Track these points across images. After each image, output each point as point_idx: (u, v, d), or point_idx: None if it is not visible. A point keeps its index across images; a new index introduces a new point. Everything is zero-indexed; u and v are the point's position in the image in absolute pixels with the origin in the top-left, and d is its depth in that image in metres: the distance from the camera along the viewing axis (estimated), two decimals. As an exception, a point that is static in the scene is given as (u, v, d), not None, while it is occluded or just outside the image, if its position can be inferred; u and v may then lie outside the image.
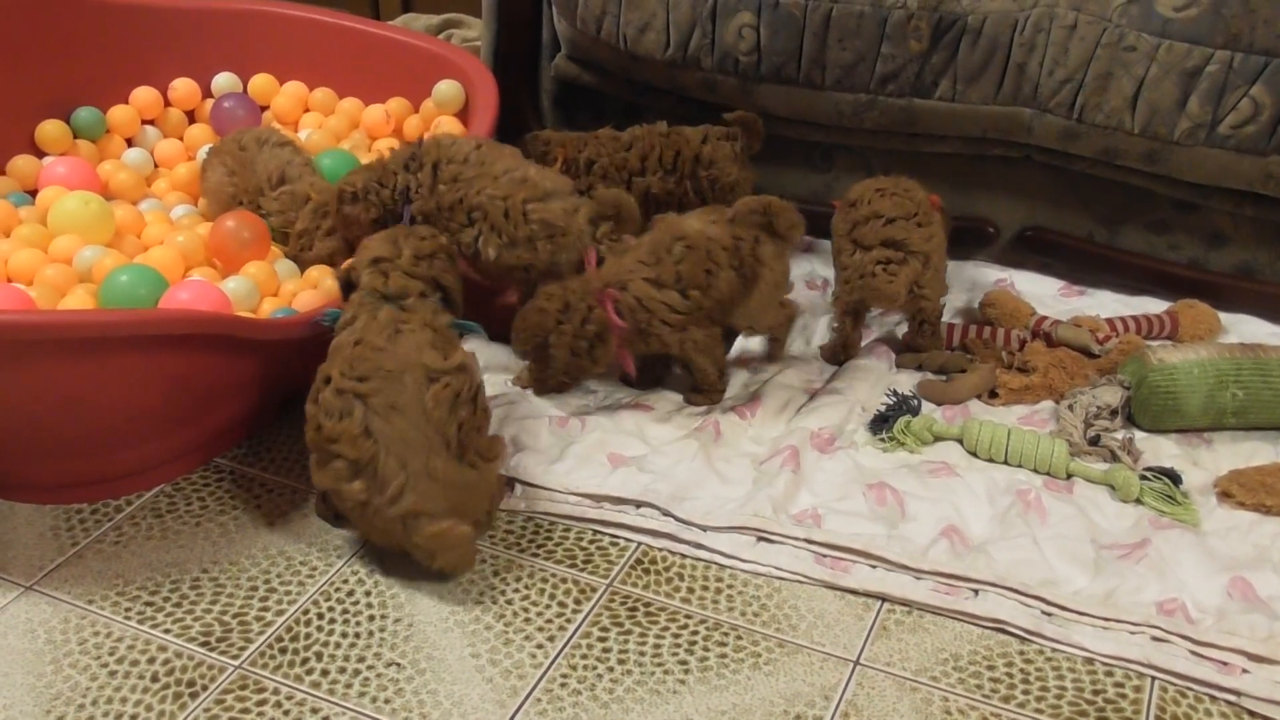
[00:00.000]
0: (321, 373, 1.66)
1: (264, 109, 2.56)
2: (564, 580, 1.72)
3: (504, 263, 2.03)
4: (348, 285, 1.79)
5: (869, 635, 1.64)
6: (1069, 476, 1.89)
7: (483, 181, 2.02)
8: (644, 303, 1.95)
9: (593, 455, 1.91)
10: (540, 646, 1.61)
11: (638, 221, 2.09)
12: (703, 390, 2.06)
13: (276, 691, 1.53)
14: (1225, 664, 1.57)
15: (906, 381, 2.12)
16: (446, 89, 2.43)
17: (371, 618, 1.64)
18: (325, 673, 1.56)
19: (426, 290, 1.77)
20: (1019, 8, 2.23)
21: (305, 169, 2.21)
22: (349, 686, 1.54)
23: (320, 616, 1.65)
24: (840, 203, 2.20)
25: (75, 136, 2.42)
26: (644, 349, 2.01)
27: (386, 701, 1.52)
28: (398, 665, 1.57)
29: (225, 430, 1.96)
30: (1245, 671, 1.56)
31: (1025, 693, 1.55)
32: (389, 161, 2.06)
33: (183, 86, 2.53)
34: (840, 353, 2.20)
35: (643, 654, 1.60)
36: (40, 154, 2.37)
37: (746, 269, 1.98)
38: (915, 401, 2.02)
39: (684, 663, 1.59)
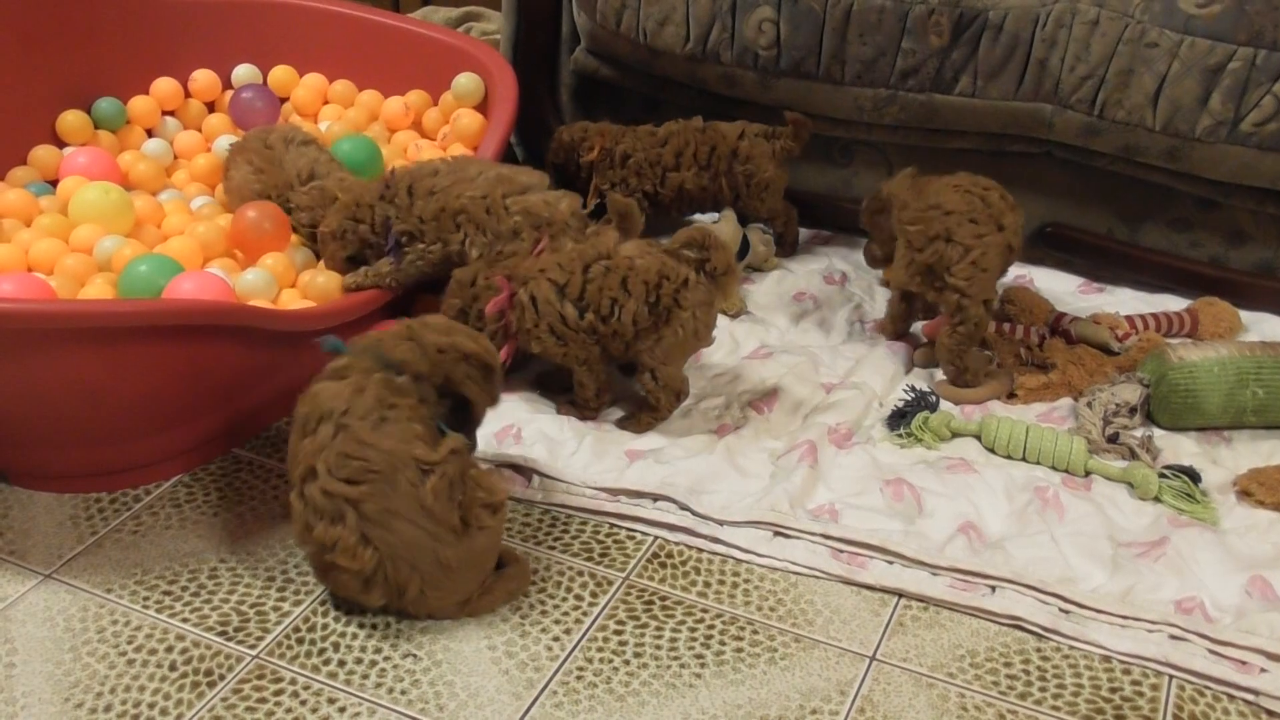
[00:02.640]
0: (303, 454, 1.55)
1: (284, 101, 2.57)
2: (580, 573, 1.72)
3: (489, 260, 2.04)
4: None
5: (885, 631, 1.64)
6: (1087, 474, 1.89)
7: (460, 186, 2.05)
8: (538, 305, 1.91)
9: (610, 450, 1.91)
10: (557, 639, 1.61)
11: (639, 230, 2.08)
12: (576, 404, 2.01)
13: (294, 681, 1.54)
14: (1243, 663, 1.57)
15: (924, 378, 2.12)
16: (466, 82, 2.44)
17: (388, 609, 1.64)
18: (342, 663, 1.57)
19: (432, 384, 1.65)
20: (1040, 3, 2.23)
21: (333, 165, 2.22)
22: (365, 677, 1.54)
23: (337, 607, 1.65)
24: (901, 192, 2.19)
25: (96, 127, 2.43)
26: (529, 349, 1.96)
27: (403, 693, 1.52)
28: (414, 656, 1.57)
29: (244, 421, 1.96)
30: (1264, 671, 1.56)
31: (1042, 690, 1.55)
32: (361, 197, 2.09)
33: (203, 78, 2.54)
34: (889, 327, 2.23)
35: (659, 647, 1.60)
36: (61, 144, 2.38)
37: (662, 308, 1.88)
38: (933, 397, 2.01)
39: (700, 657, 1.59)
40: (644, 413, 1.98)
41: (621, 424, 1.99)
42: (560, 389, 2.05)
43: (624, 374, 2.09)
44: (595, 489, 1.85)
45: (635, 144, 2.44)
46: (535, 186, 2.09)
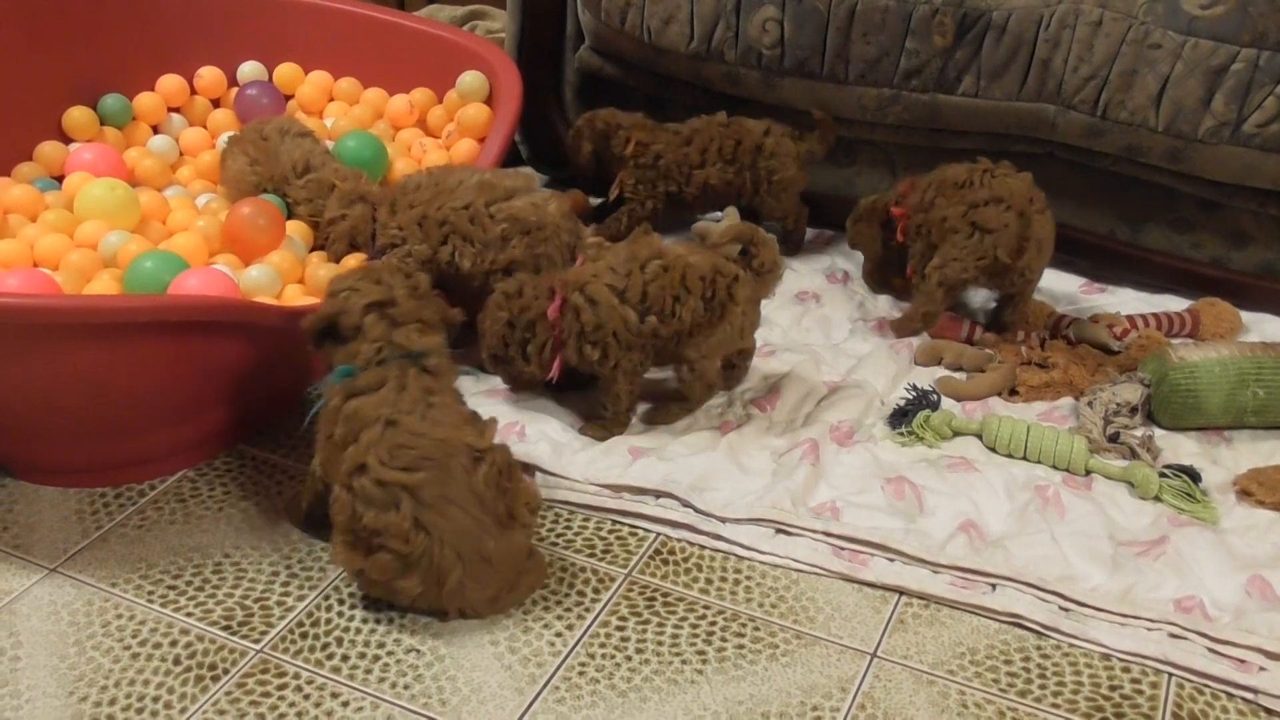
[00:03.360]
0: (351, 456, 1.56)
1: (289, 98, 2.57)
2: (583, 569, 1.73)
3: (481, 270, 2.04)
4: (327, 333, 1.68)
5: (886, 628, 1.64)
6: (1088, 473, 1.89)
7: (441, 198, 2.04)
8: (598, 309, 1.88)
9: (614, 447, 1.91)
10: (559, 635, 1.61)
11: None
12: (604, 419, 1.96)
13: (297, 676, 1.55)
14: (1242, 662, 1.58)
15: (925, 377, 2.13)
16: (470, 80, 2.44)
17: (391, 604, 1.65)
18: (345, 658, 1.57)
19: (444, 339, 1.70)
20: (1044, 4, 2.23)
21: (327, 157, 2.22)
22: (369, 672, 1.55)
23: (341, 602, 1.66)
24: (927, 185, 2.21)
25: (102, 123, 2.43)
26: (577, 360, 1.92)
27: (406, 687, 1.53)
28: (417, 652, 1.58)
29: (248, 416, 1.97)
30: (1262, 669, 1.56)
31: (1042, 687, 1.55)
32: (359, 186, 2.14)
33: (208, 74, 2.54)
34: (920, 324, 2.23)
35: (661, 644, 1.61)
36: (67, 140, 2.38)
37: (717, 303, 1.88)
38: (935, 396, 2.02)
39: (702, 653, 1.59)
40: (675, 404, 1.98)
41: (651, 416, 1.99)
42: (566, 387, 2.04)
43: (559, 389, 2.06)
44: (598, 486, 1.86)
45: (666, 146, 2.45)
46: (521, 190, 2.08)
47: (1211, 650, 1.59)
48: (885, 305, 2.39)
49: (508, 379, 2.02)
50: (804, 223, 2.58)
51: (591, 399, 1.98)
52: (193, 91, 2.55)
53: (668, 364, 1.97)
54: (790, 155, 2.43)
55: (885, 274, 2.39)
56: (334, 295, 1.69)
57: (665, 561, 1.75)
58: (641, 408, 1.97)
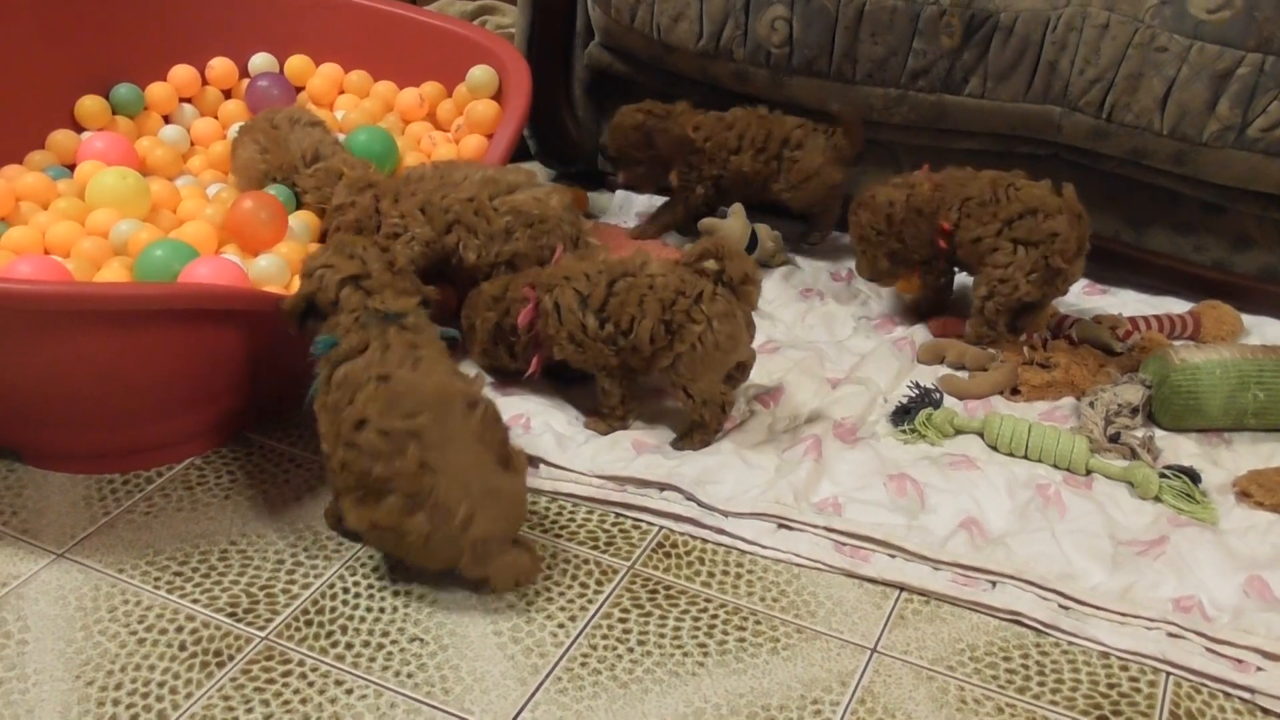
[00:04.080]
0: (349, 416, 1.59)
1: (299, 90, 2.58)
2: (586, 561, 1.74)
3: (486, 262, 2.07)
4: (309, 312, 1.73)
5: (887, 624, 1.65)
6: (1088, 473, 1.90)
7: (446, 189, 2.07)
8: (561, 312, 1.91)
9: (618, 441, 1.93)
10: (561, 626, 1.63)
11: None
12: (602, 413, 1.98)
13: (301, 663, 1.56)
14: (1240, 661, 1.58)
15: (928, 375, 2.13)
16: (480, 74, 2.45)
17: (396, 593, 1.66)
18: (350, 646, 1.58)
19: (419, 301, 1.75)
20: (1051, 6, 2.24)
21: (336, 147, 2.24)
22: (373, 660, 1.56)
23: (346, 591, 1.67)
24: (958, 202, 2.20)
25: (114, 112, 2.44)
26: (559, 355, 1.95)
27: (409, 676, 1.54)
28: (421, 640, 1.59)
29: (255, 405, 1.98)
30: (1260, 670, 1.57)
31: (1040, 685, 1.56)
32: (367, 174, 2.16)
33: (220, 65, 2.56)
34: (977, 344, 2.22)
35: (662, 636, 1.62)
36: (79, 129, 2.40)
37: (675, 325, 1.85)
38: (937, 394, 2.03)
39: (703, 646, 1.60)
40: (696, 432, 1.94)
41: (676, 444, 1.95)
42: (571, 379, 2.06)
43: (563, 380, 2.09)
44: (602, 478, 1.87)
45: (710, 130, 2.50)
46: (524, 185, 2.11)
47: (1209, 650, 1.60)
48: (888, 304, 2.40)
49: (494, 374, 2.08)
50: (830, 221, 2.59)
51: (595, 394, 2.00)
52: (204, 82, 2.56)
53: (652, 378, 1.97)
54: (816, 148, 2.45)
55: (893, 270, 2.35)
56: (309, 275, 1.73)
57: (668, 555, 1.76)
58: (668, 437, 1.96)
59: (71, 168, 2.28)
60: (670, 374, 1.89)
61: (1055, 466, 1.92)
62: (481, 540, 1.57)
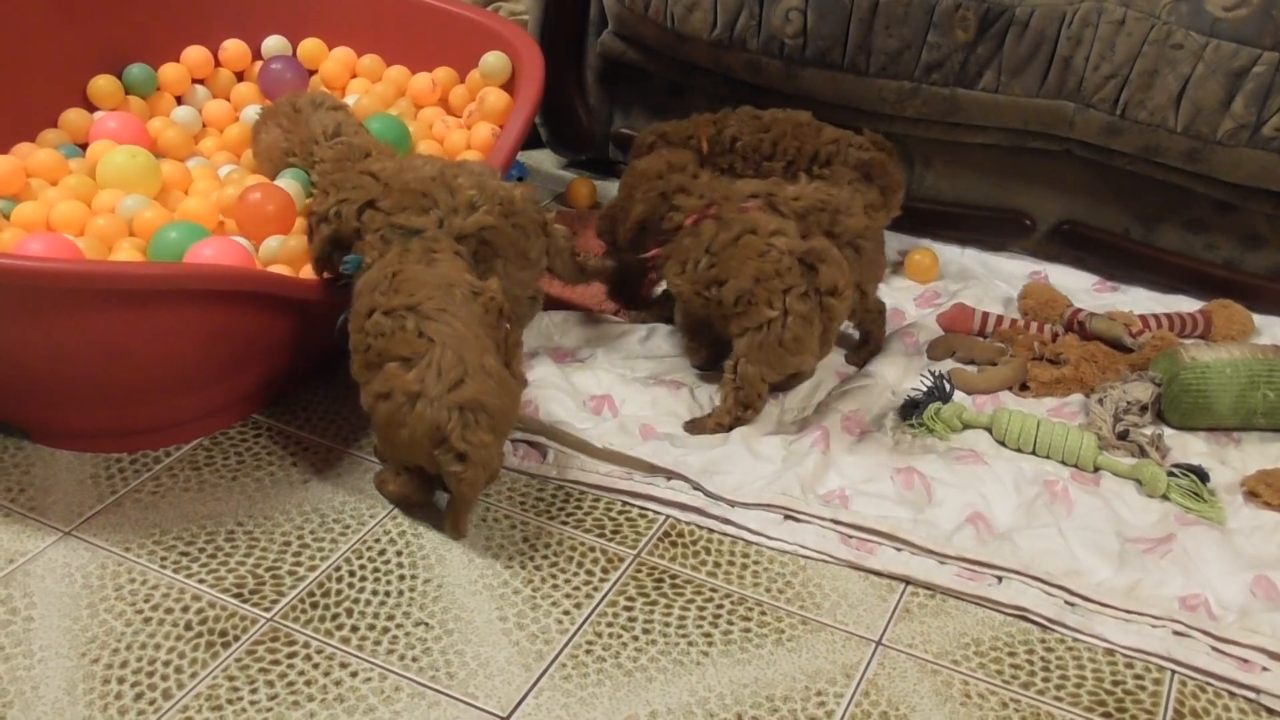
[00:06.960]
0: (359, 310, 1.70)
1: (312, 73, 2.58)
2: (592, 549, 1.74)
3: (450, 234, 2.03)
4: (334, 244, 1.82)
5: (892, 617, 1.65)
6: (1096, 469, 1.90)
7: (405, 173, 2.01)
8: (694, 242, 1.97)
9: (627, 426, 1.93)
10: (567, 613, 1.63)
11: None
12: (742, 407, 1.95)
13: (307, 645, 1.56)
14: (1246, 661, 1.59)
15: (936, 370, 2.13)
16: (493, 60, 2.44)
17: (402, 577, 1.67)
18: (355, 628, 1.59)
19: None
20: (1067, 1, 2.23)
21: (359, 128, 2.23)
22: (378, 643, 1.57)
23: (352, 574, 1.67)
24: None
25: (126, 92, 2.43)
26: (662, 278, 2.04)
27: (414, 660, 1.54)
28: (426, 625, 1.60)
29: (263, 386, 1.98)
30: (1265, 670, 1.58)
31: (1045, 680, 1.56)
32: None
33: (233, 47, 2.55)
34: None
35: (668, 625, 1.62)
36: (92, 108, 2.39)
37: (755, 298, 1.89)
38: (947, 388, 2.02)
39: (708, 635, 1.61)
40: (714, 412, 1.95)
41: (688, 426, 1.96)
42: (626, 301, 2.18)
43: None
44: (609, 464, 1.87)
45: (741, 127, 2.41)
46: (486, 174, 2.05)
47: (1215, 649, 1.60)
48: (897, 297, 2.40)
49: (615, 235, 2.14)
50: None
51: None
52: (217, 64, 2.56)
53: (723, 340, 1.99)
54: (843, 176, 2.30)
55: None
56: (324, 219, 1.83)
57: (674, 544, 1.76)
58: (675, 428, 1.97)
59: (84, 146, 2.27)
60: (739, 342, 1.92)
61: (1063, 463, 1.91)
62: (470, 404, 1.61)
